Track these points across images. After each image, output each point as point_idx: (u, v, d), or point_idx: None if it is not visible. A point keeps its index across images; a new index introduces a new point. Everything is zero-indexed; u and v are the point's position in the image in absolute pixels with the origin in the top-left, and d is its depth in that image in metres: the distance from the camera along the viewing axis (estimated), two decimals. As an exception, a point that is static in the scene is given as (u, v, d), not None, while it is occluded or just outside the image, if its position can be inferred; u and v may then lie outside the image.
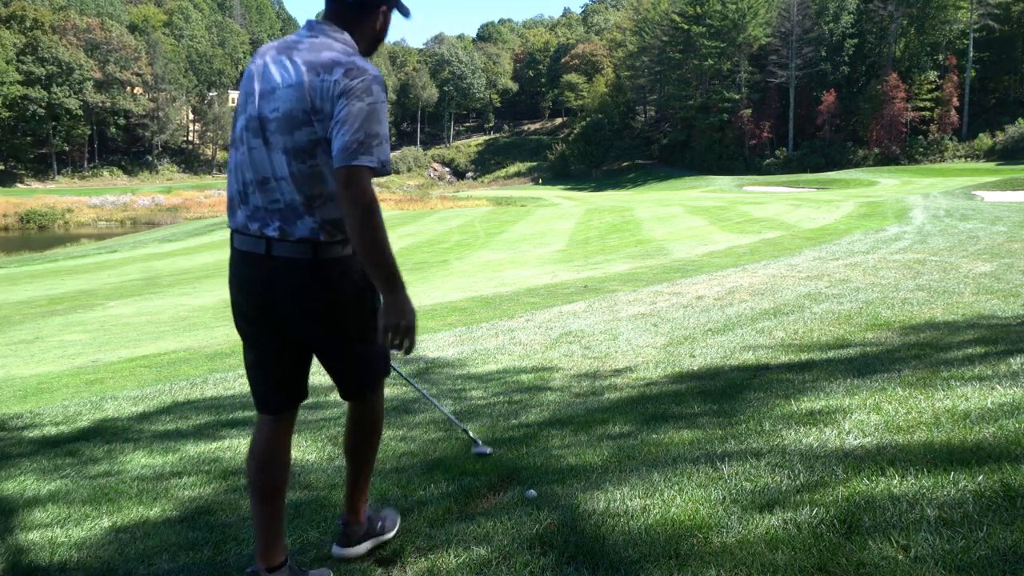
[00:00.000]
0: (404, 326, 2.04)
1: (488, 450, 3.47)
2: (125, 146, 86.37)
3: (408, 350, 2.08)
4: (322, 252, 2.11)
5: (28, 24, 76.62)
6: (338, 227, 2.10)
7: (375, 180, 2.03)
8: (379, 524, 2.50)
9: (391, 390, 5.30)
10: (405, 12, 2.32)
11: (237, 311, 2.26)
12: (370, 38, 2.25)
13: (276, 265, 2.11)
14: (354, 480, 2.47)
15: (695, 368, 5.30)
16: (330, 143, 2.03)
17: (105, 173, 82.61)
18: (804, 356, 5.36)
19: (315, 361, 2.34)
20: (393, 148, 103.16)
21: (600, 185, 72.88)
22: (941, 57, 66.93)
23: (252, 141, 2.12)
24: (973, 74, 65.49)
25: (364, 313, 2.22)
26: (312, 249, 2.09)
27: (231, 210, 2.21)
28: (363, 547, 2.44)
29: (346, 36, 2.16)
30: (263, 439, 2.29)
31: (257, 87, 2.13)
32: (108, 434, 4.51)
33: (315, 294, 2.13)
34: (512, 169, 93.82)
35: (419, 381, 5.56)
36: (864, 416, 3.35)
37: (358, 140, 1.97)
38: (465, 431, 3.69)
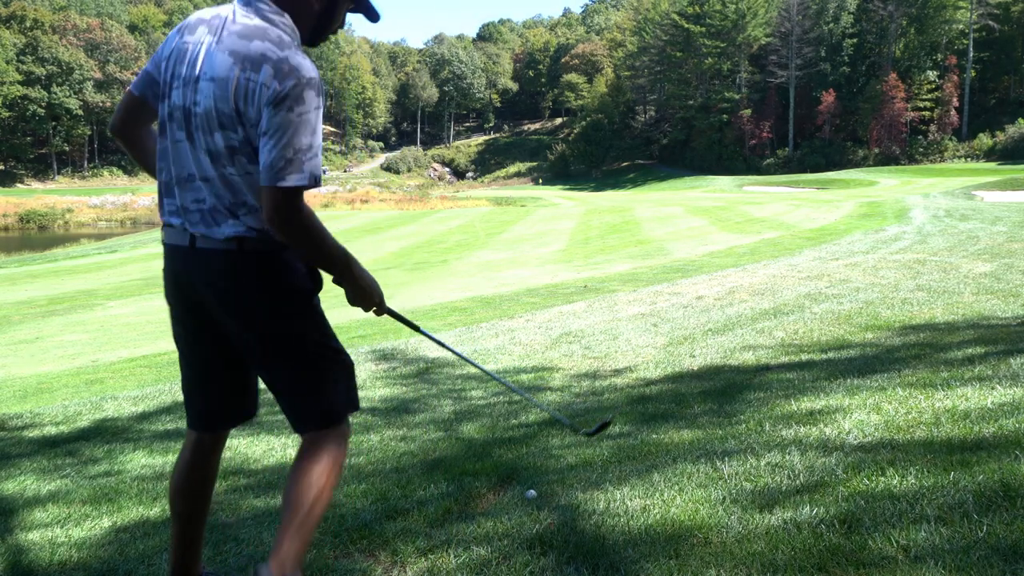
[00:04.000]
0: (373, 303, 2.07)
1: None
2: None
3: (379, 312, 2.13)
4: (249, 245, 1.89)
5: (28, 24, 76.68)
6: (268, 234, 1.89)
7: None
8: None
9: (390, 389, 5.29)
10: (372, 15, 2.08)
11: (170, 312, 2.08)
12: (314, 22, 1.96)
13: (200, 258, 1.91)
14: (288, 540, 1.87)
15: (695, 368, 5.30)
16: (254, 151, 1.83)
17: (105, 173, 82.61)
18: (804, 356, 5.36)
19: None
20: (393, 148, 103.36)
21: (600, 185, 72.88)
22: (941, 57, 66.94)
23: (176, 133, 1.90)
24: (973, 74, 65.49)
25: (304, 316, 1.97)
26: (238, 243, 1.89)
27: (159, 201, 2.00)
28: None
29: (285, 19, 1.88)
30: (188, 460, 2.11)
31: (183, 71, 1.88)
32: (108, 434, 4.51)
33: (242, 290, 1.91)
34: (512, 169, 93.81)
35: (418, 381, 5.55)
36: (864, 416, 3.35)
37: (286, 158, 1.76)
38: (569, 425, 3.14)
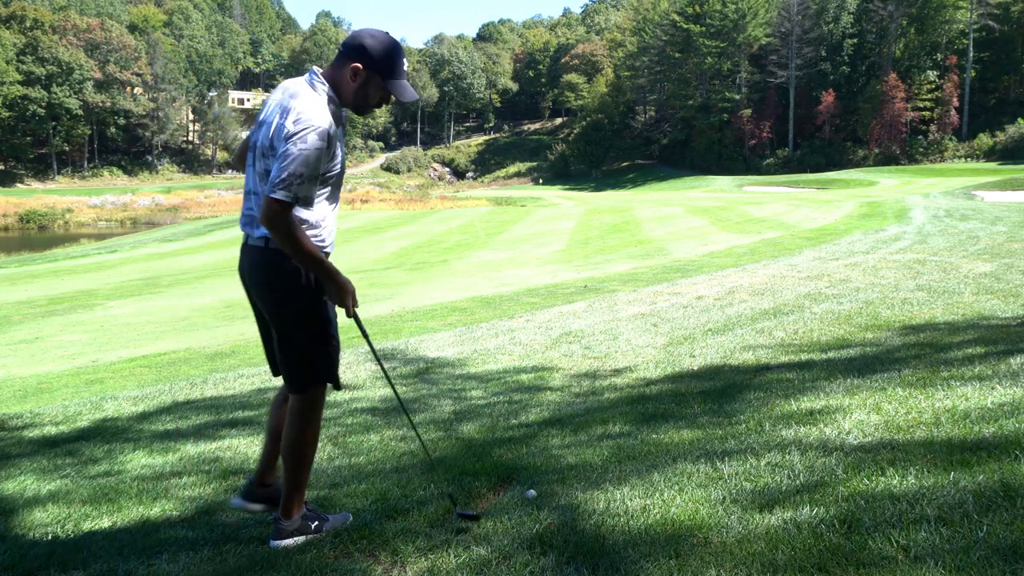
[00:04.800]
0: (343, 300, 2.59)
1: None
2: (125, 146, 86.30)
3: (350, 312, 2.63)
4: (272, 244, 2.56)
5: (28, 24, 76.61)
6: None
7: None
8: (312, 524, 2.71)
9: (389, 389, 5.29)
10: (400, 96, 2.55)
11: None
12: (352, 92, 2.56)
13: (247, 251, 2.69)
14: (285, 481, 2.70)
15: (695, 368, 5.30)
16: None
17: (105, 173, 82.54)
18: (804, 356, 5.36)
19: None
20: (393, 148, 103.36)
21: (600, 185, 72.85)
22: (941, 57, 66.88)
23: (250, 159, 2.66)
24: (973, 74, 65.43)
25: (307, 303, 2.61)
26: (265, 241, 2.59)
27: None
28: (293, 541, 2.65)
29: (326, 87, 2.54)
30: (279, 395, 2.87)
31: (260, 117, 2.63)
32: (108, 434, 4.51)
33: (265, 274, 2.62)
34: (512, 169, 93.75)
35: (418, 381, 5.56)
36: (864, 416, 3.35)
37: (281, 177, 2.40)
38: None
